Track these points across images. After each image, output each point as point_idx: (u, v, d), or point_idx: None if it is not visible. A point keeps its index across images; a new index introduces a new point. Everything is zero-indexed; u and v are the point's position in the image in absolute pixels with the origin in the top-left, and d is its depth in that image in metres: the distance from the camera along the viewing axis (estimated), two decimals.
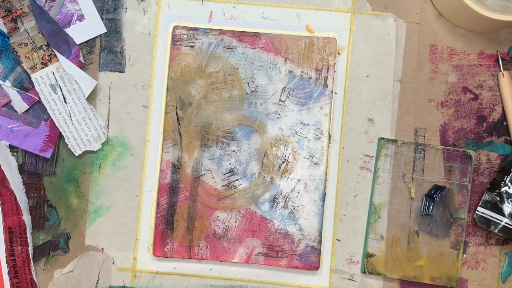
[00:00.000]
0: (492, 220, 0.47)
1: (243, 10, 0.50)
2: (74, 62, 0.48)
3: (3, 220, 0.48)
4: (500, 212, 0.47)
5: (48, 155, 0.48)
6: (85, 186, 0.49)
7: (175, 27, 0.49)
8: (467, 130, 0.49)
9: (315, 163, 0.48)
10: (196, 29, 0.49)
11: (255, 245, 0.48)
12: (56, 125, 0.48)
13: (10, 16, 0.48)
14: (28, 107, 0.48)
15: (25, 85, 0.49)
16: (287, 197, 0.48)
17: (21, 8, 0.48)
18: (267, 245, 0.48)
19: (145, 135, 0.49)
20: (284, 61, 0.49)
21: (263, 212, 0.48)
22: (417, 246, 0.48)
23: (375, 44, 0.49)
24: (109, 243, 0.49)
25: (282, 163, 0.48)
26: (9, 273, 0.48)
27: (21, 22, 0.48)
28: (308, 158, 0.48)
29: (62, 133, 0.48)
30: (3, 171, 0.47)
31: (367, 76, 0.49)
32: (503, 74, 0.48)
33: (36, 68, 0.48)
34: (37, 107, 0.49)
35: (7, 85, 0.48)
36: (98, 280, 0.49)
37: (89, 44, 0.50)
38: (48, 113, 0.48)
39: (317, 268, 0.48)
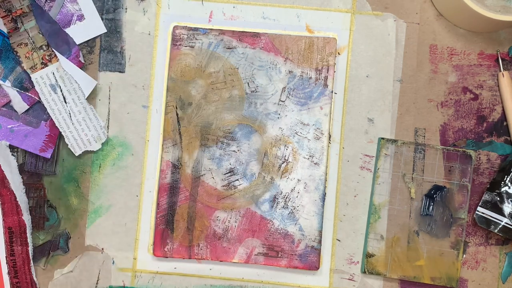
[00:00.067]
0: (492, 220, 0.47)
1: (243, 10, 0.50)
2: (74, 62, 0.48)
3: (3, 220, 0.48)
4: (500, 212, 0.47)
5: (48, 155, 0.48)
6: (85, 186, 0.49)
7: (175, 27, 0.49)
8: (467, 130, 0.49)
9: (315, 163, 0.48)
10: (196, 29, 0.49)
11: (255, 245, 0.48)
12: (56, 125, 0.48)
13: (10, 16, 0.48)
14: (28, 107, 0.48)
15: (25, 85, 0.48)
16: (287, 197, 0.48)
17: (21, 8, 0.48)
18: (267, 245, 0.48)
19: (145, 135, 0.49)
20: (284, 61, 0.49)
21: (263, 212, 0.48)
22: (417, 246, 0.48)
23: (375, 44, 0.49)
24: (109, 243, 0.49)
25: (282, 163, 0.48)
26: (9, 273, 0.48)
27: (21, 22, 0.48)
28: (308, 158, 0.48)
29: (62, 133, 0.48)
30: (3, 171, 0.47)
31: (367, 76, 0.49)
32: (503, 74, 0.48)
33: (36, 68, 0.48)
34: (37, 107, 0.49)
35: (7, 85, 0.48)
36: (98, 280, 0.49)
37: (89, 44, 0.49)
38: (48, 113, 0.48)
39: (317, 268, 0.48)
